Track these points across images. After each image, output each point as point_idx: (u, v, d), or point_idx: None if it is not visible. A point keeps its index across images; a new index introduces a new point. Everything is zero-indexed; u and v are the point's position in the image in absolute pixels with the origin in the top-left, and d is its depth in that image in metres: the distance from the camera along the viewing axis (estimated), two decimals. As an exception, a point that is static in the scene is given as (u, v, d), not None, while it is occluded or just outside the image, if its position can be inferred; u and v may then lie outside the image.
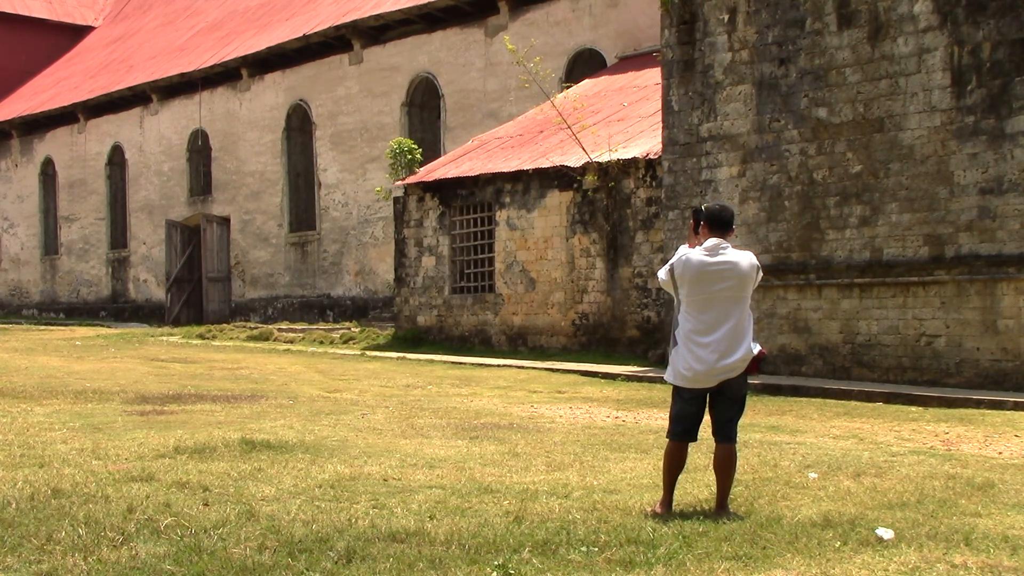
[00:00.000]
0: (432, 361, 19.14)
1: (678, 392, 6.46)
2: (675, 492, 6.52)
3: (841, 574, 5.15)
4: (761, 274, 6.54)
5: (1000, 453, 9.08)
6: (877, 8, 14.43)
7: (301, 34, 30.45)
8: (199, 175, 35.09)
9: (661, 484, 6.61)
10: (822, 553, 5.46)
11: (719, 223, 6.43)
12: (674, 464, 6.46)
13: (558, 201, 19.87)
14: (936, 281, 13.93)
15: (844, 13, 14.74)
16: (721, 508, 6.34)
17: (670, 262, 6.49)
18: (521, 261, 20.51)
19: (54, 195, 40.80)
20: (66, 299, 40.01)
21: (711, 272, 6.30)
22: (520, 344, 20.49)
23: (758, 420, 11.27)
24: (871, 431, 10.48)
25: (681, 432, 6.44)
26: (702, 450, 8.47)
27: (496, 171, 20.74)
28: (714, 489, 6.53)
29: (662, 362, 15.80)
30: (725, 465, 6.36)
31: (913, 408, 12.49)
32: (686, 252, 6.42)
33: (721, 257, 6.34)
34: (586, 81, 24.04)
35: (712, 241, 6.38)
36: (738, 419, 6.47)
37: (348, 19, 29.24)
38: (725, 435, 6.38)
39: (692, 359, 6.30)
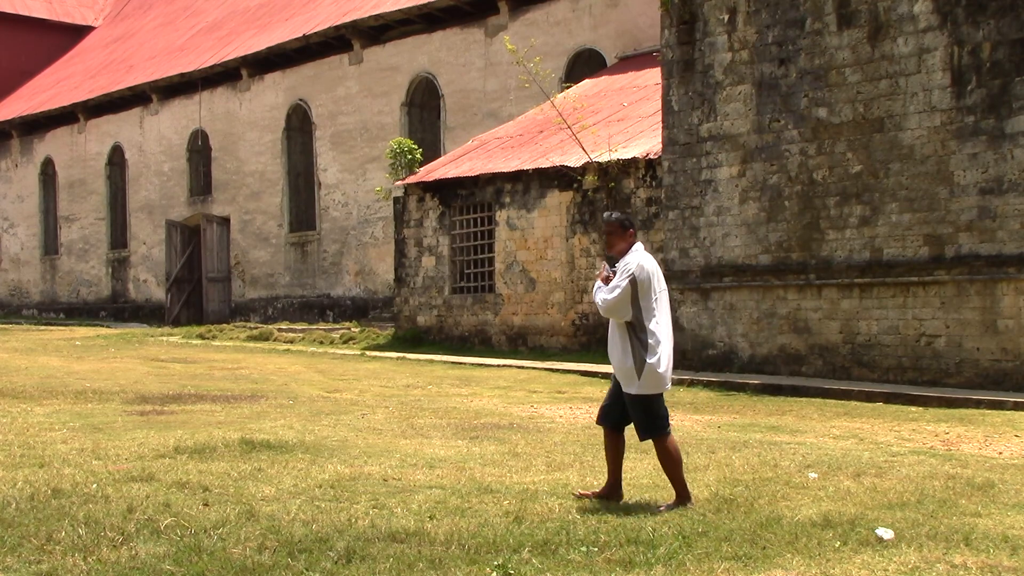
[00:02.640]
0: (432, 361, 19.14)
1: (659, 396, 6.54)
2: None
3: (841, 574, 5.15)
4: None
5: (1000, 453, 9.08)
6: (877, 8, 14.43)
7: (301, 34, 30.45)
8: (199, 175, 35.09)
9: (663, 483, 6.63)
10: (822, 553, 5.47)
11: (633, 228, 6.72)
12: (677, 455, 6.55)
13: (558, 201, 19.87)
14: (936, 281, 13.92)
15: (844, 13, 14.74)
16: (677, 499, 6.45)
17: (624, 278, 6.43)
18: (521, 261, 20.51)
19: (54, 195, 40.79)
20: (66, 299, 40.01)
21: (657, 270, 6.57)
22: (520, 344, 20.49)
23: (758, 420, 11.28)
24: (871, 431, 10.48)
25: (667, 424, 6.60)
26: (702, 450, 8.48)
27: (496, 171, 20.74)
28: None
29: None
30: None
31: (913, 408, 12.49)
32: (636, 260, 6.46)
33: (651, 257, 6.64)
34: (586, 81, 24.04)
35: (639, 243, 6.61)
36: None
37: (348, 19, 29.24)
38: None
39: (665, 358, 6.47)
